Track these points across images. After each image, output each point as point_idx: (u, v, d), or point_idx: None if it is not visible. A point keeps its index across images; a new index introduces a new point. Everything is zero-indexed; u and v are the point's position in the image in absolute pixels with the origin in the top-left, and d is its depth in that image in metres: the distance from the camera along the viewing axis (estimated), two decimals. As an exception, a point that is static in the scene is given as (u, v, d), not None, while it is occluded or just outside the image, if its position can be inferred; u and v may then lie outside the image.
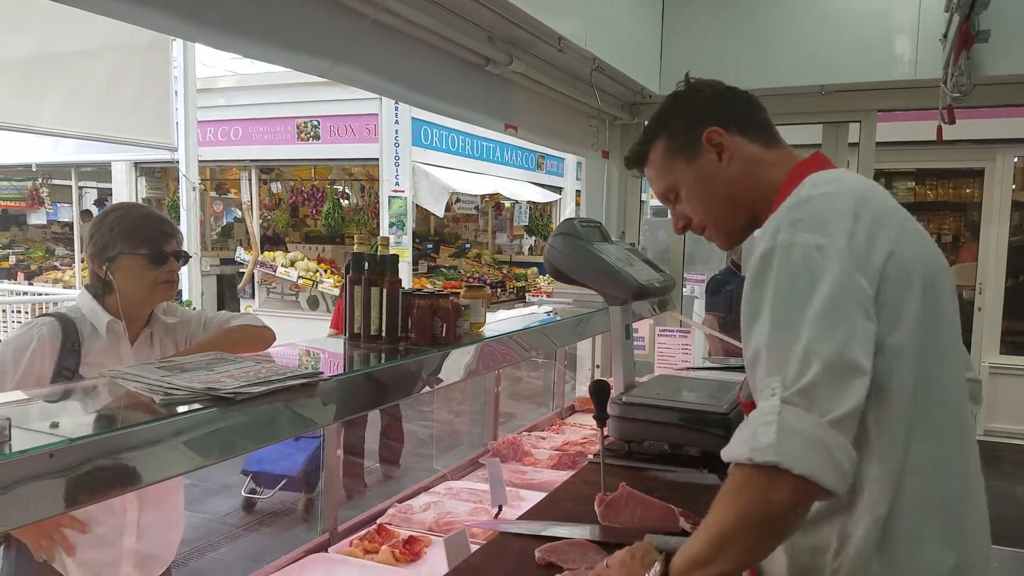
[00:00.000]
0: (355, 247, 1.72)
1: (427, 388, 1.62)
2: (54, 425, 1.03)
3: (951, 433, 1.07)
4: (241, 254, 10.31)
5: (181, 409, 1.10)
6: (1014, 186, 6.08)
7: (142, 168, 11.00)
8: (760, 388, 1.01)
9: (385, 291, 1.66)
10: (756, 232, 1.21)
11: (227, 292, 11.00)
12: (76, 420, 1.16)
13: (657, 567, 1.11)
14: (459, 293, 1.84)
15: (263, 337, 1.80)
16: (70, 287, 10.51)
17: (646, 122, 3.69)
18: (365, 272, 1.67)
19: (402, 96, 2.53)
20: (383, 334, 1.67)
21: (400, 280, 1.70)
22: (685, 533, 1.53)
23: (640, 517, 1.53)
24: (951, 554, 1.05)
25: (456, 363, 1.73)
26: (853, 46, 3.09)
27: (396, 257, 1.73)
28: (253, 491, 4.61)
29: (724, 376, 2.40)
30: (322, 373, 1.32)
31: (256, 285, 9.84)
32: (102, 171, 11.61)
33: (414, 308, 1.69)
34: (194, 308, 5.72)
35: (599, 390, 1.63)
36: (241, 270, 10.26)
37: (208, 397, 1.15)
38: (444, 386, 1.68)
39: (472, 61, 2.47)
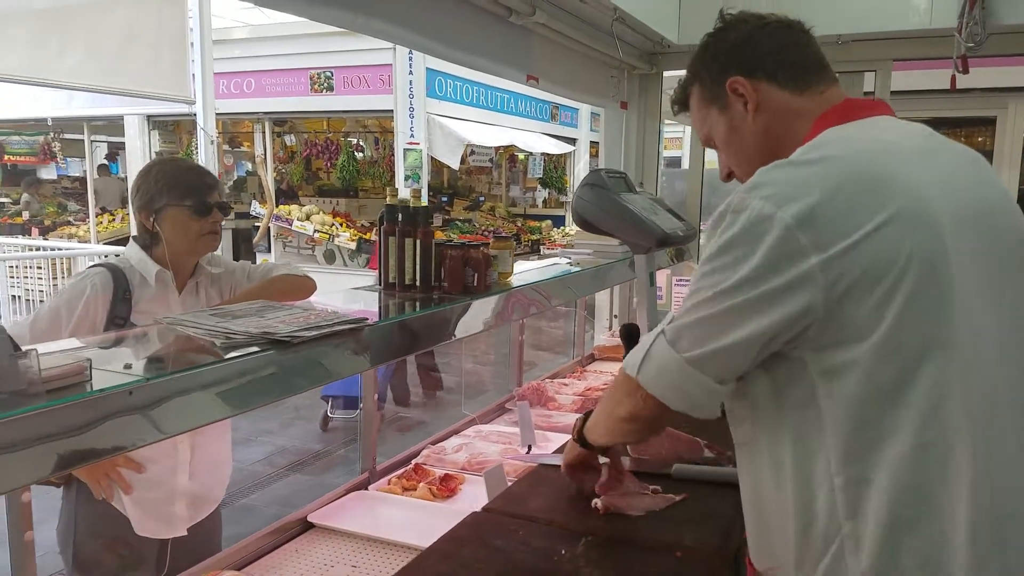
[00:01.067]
0: (387, 199, 1.78)
1: (462, 334, 1.70)
2: (127, 366, 1.11)
3: (938, 449, 0.91)
4: (256, 208, 10.33)
5: (242, 352, 1.18)
6: (1026, 134, 6.06)
7: (155, 121, 10.95)
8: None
9: (419, 242, 1.72)
10: None
11: (242, 246, 11.05)
12: (146, 362, 1.23)
13: (578, 423, 1.41)
14: (488, 244, 1.90)
15: (305, 286, 1.86)
16: (85, 242, 10.58)
17: (665, 72, 3.69)
18: (399, 224, 1.73)
19: (426, 47, 2.55)
20: (417, 283, 1.73)
21: (433, 231, 1.76)
22: (709, 461, 1.63)
23: (668, 448, 1.62)
24: None
25: (488, 311, 1.80)
26: (870, -6, 3.05)
27: (428, 209, 1.78)
28: (329, 413, 5.30)
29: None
30: (367, 319, 1.40)
31: (272, 239, 9.90)
32: (113, 125, 11.55)
33: (446, 258, 1.74)
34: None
35: (630, 333, 1.69)
36: (256, 224, 10.29)
37: (265, 340, 1.22)
38: (478, 332, 1.76)
39: (495, 12, 2.47)
